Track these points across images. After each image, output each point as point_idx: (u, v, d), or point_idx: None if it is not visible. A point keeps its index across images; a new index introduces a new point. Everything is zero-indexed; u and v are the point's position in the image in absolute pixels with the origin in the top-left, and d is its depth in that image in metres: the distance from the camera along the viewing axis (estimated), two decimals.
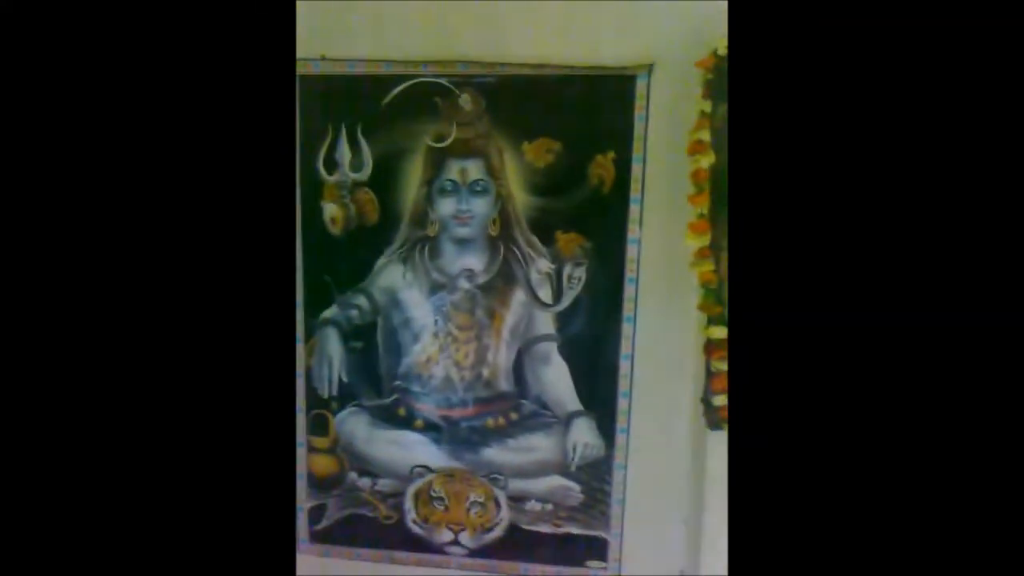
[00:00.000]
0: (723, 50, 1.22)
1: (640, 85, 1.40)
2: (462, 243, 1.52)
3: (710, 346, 1.32)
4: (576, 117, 1.43)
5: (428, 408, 1.60)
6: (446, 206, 1.51)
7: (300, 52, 1.48)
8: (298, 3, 1.45)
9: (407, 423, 1.60)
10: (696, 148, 1.27)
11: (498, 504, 1.61)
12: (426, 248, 1.54)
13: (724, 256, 1.29)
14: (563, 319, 1.52)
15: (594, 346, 1.52)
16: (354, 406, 1.62)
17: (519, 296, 1.53)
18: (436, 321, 1.56)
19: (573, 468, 1.57)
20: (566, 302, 1.51)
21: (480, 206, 1.50)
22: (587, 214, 1.47)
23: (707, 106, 1.27)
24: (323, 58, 1.48)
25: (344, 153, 1.52)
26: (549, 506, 1.60)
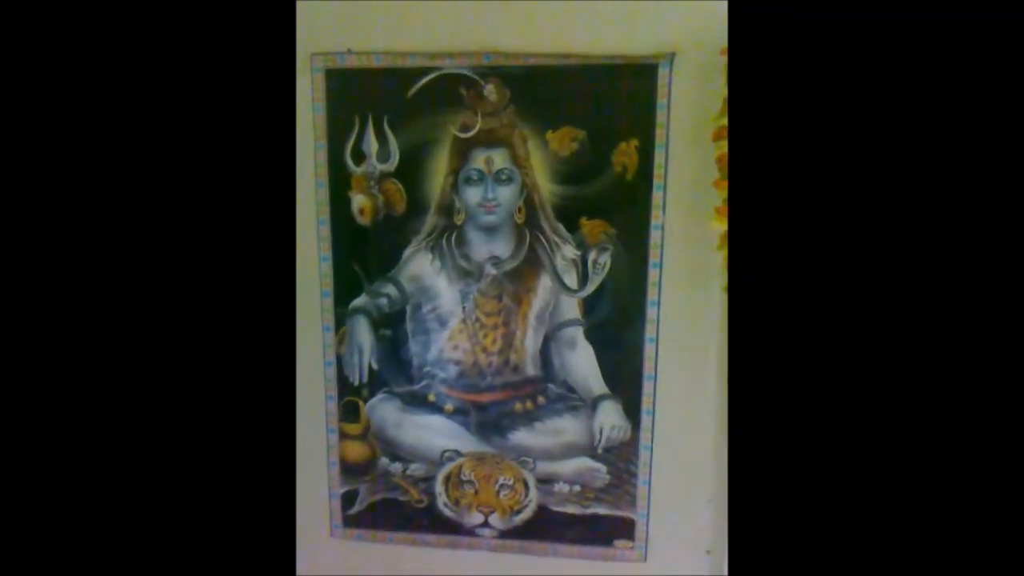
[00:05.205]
0: None
1: (662, 74, 1.42)
2: (488, 231, 1.55)
3: None
4: (599, 106, 1.46)
5: (457, 393, 1.63)
6: (472, 195, 1.54)
7: (327, 46, 1.51)
8: None
9: (437, 408, 1.64)
10: (720, 134, 1.30)
11: (527, 486, 1.65)
12: (453, 236, 1.56)
13: None
14: (588, 304, 1.55)
15: (619, 330, 1.55)
16: (385, 393, 1.65)
17: (545, 282, 1.56)
18: (464, 308, 1.59)
19: (600, 450, 1.60)
20: (591, 287, 1.54)
21: (506, 194, 1.52)
22: (611, 201, 1.49)
23: None
24: (349, 52, 1.51)
25: (371, 144, 1.55)
26: (577, 488, 1.63)
